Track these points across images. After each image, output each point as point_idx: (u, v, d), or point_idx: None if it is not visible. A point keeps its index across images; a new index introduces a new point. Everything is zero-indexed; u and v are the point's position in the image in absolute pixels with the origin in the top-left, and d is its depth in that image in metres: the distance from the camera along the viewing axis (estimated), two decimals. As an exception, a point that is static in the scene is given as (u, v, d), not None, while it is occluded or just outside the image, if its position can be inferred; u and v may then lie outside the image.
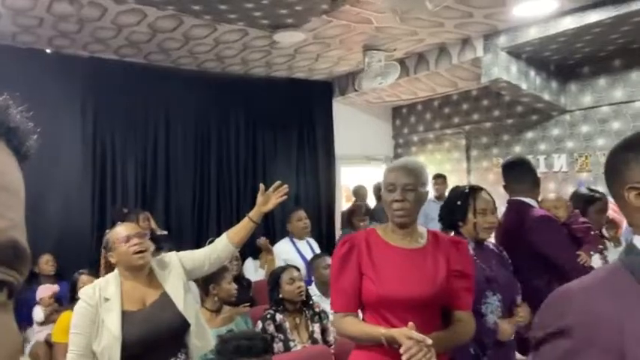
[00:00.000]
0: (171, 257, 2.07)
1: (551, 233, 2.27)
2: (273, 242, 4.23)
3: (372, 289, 1.61)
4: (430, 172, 5.82)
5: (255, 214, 2.13)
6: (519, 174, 2.48)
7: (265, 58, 4.87)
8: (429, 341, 1.39)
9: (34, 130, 0.44)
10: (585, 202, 2.68)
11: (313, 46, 4.54)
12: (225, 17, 3.69)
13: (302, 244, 3.94)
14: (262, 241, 3.97)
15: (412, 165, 1.70)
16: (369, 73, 4.66)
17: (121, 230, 1.94)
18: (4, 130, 0.41)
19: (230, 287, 2.92)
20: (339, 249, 1.70)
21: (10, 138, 0.42)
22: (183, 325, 1.90)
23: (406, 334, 1.41)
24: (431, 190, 5.27)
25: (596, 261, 2.47)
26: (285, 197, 2.14)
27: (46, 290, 3.70)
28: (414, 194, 1.64)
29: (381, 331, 1.52)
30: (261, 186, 2.15)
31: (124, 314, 1.83)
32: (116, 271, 1.95)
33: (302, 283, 2.80)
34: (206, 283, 2.83)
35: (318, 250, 4.01)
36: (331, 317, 1.77)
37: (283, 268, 2.91)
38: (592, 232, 2.44)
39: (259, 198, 2.12)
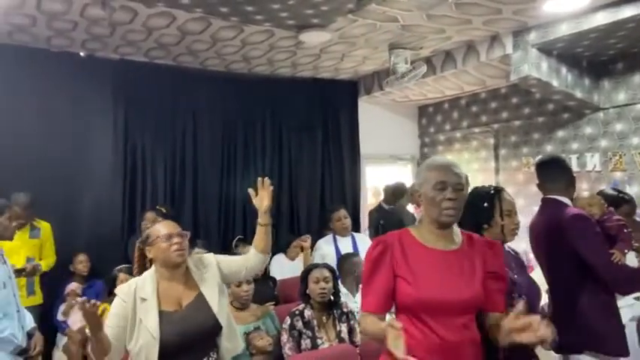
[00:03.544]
0: (209, 258, 2.10)
1: (586, 232, 2.20)
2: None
3: (409, 291, 1.57)
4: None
5: (260, 217, 2.17)
6: (553, 172, 2.42)
7: (291, 58, 4.89)
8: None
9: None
10: (612, 203, 2.58)
11: (339, 46, 4.54)
12: (251, 18, 3.72)
13: (344, 241, 3.99)
14: (304, 242, 4.09)
15: (456, 165, 1.66)
16: (396, 73, 4.63)
17: (162, 228, 1.97)
18: None
19: (238, 290, 2.85)
20: (372, 250, 1.67)
21: None
22: (216, 327, 1.93)
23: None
24: None
25: (631, 259, 2.38)
26: (272, 186, 2.17)
27: (70, 287, 3.97)
28: (462, 194, 1.63)
29: (381, 325, 1.48)
30: (250, 191, 2.19)
31: (162, 314, 1.86)
32: (152, 269, 1.98)
33: (327, 285, 2.79)
34: None
35: (364, 244, 4.00)
36: (358, 317, 1.71)
37: (316, 266, 2.91)
38: (625, 230, 2.35)
39: (255, 203, 2.17)
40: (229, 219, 5.27)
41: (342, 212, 4.08)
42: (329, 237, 4.12)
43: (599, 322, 2.17)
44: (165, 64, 4.91)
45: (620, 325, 2.25)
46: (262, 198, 2.16)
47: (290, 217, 5.55)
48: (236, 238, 4.74)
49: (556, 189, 2.38)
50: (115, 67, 4.69)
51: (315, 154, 5.79)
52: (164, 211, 4.24)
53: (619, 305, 2.30)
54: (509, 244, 2.04)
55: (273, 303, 3.36)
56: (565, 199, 2.36)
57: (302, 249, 4.15)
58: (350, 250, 3.86)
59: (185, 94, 5.05)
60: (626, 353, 2.19)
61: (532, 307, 1.88)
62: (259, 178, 2.19)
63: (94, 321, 1.68)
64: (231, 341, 1.99)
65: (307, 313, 2.77)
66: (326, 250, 3.93)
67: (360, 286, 1.71)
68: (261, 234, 2.17)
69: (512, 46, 4.27)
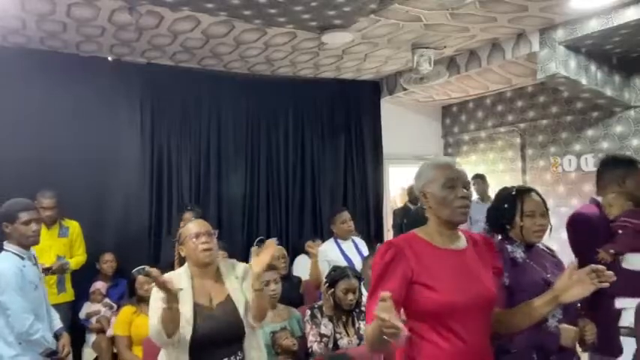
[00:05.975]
0: (241, 267, 2.17)
1: (576, 232, 2.26)
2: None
3: (434, 297, 1.47)
4: (481, 171, 5.70)
5: (252, 281, 1.99)
6: (599, 172, 2.47)
7: (313, 59, 4.91)
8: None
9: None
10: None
11: (361, 46, 4.53)
12: (274, 21, 3.75)
13: (347, 245, 3.93)
14: (310, 247, 3.95)
15: (459, 164, 1.67)
16: (417, 74, 4.59)
17: (192, 227, 2.07)
18: None
19: (266, 289, 2.72)
20: (383, 255, 1.53)
21: None
22: (241, 331, 2.01)
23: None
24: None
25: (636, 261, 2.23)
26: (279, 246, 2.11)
27: (95, 285, 4.09)
28: (470, 192, 1.63)
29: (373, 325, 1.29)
30: (253, 250, 2.18)
31: (196, 306, 1.96)
32: (185, 266, 2.08)
33: (355, 295, 2.79)
34: None
35: (364, 249, 3.98)
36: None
37: (344, 275, 2.82)
38: (621, 232, 2.25)
39: (252, 264, 2.01)
40: (253, 219, 5.31)
41: (347, 215, 4.00)
42: (331, 241, 3.98)
43: (600, 325, 2.05)
44: (190, 67, 4.99)
45: (615, 327, 2.19)
46: (259, 261, 1.97)
47: (313, 219, 5.57)
48: (257, 239, 4.75)
49: (598, 189, 2.45)
50: (141, 71, 4.79)
51: (337, 155, 5.79)
52: (198, 210, 4.30)
53: (625, 307, 2.21)
54: (544, 242, 2.02)
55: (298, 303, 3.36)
56: (598, 199, 2.39)
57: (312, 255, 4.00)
58: (354, 253, 3.83)
59: (209, 97, 5.12)
60: (619, 353, 2.16)
61: (567, 310, 1.84)
62: (269, 240, 2.07)
63: (166, 290, 1.76)
64: (257, 350, 2.06)
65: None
66: (333, 257, 3.76)
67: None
68: (254, 300, 1.99)
69: (539, 43, 4.19)
